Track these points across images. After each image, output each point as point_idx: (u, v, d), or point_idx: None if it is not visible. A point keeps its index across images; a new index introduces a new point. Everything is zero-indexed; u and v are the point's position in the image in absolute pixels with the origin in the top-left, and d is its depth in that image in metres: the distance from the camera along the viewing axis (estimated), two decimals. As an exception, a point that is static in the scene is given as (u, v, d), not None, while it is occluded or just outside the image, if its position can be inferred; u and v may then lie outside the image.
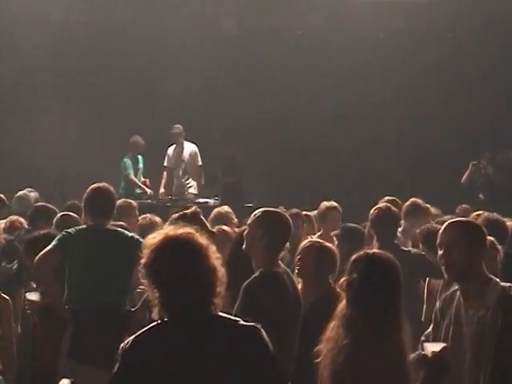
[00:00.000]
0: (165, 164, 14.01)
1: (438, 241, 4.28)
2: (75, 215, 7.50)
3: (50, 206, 8.40)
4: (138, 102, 15.01)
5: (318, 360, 4.08)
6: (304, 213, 8.51)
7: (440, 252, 4.24)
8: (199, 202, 12.74)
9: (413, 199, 8.08)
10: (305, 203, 10.93)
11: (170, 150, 14.01)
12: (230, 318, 3.26)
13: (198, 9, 15.02)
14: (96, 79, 14.99)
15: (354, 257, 4.09)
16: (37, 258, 5.86)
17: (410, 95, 14.93)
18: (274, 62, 14.99)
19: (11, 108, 14.83)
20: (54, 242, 5.93)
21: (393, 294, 3.97)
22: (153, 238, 3.26)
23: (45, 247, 5.91)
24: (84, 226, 6.21)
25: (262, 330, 3.25)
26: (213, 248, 3.27)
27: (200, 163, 13.91)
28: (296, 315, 4.77)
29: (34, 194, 10.02)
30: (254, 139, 15.19)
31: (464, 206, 10.04)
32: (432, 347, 4.02)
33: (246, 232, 4.92)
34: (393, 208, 7.10)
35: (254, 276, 4.71)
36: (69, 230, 6.07)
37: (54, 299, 5.88)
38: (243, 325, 3.24)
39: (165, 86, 14.59)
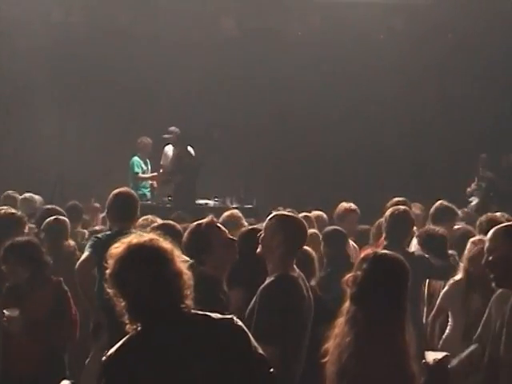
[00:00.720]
0: (162, 163, 13.95)
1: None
2: (64, 218, 7.58)
3: (58, 208, 8.44)
4: (137, 102, 15.00)
5: (325, 357, 4.06)
6: (303, 214, 8.49)
7: (485, 260, 4.32)
8: (199, 204, 12.71)
9: (440, 201, 8.04)
10: (305, 204, 10.94)
11: (167, 150, 13.95)
12: (204, 314, 3.26)
13: (198, 10, 14.99)
14: (96, 80, 14.97)
15: (362, 255, 4.10)
16: (77, 265, 6.02)
17: (409, 96, 14.92)
18: (274, 63, 14.98)
19: (11, 109, 14.81)
20: (88, 249, 6.06)
21: (398, 294, 3.94)
22: (116, 248, 3.27)
23: (28, 254, 5.91)
24: (111, 232, 6.26)
25: (238, 320, 3.27)
26: (177, 252, 3.27)
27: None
28: (309, 319, 4.79)
29: (38, 197, 10.04)
30: (254, 139, 15.18)
31: (466, 210, 10.02)
32: (434, 355, 4.01)
33: (262, 236, 4.87)
34: (411, 212, 7.06)
35: (270, 280, 4.71)
36: (98, 236, 6.21)
37: (92, 306, 6.03)
38: (219, 318, 3.26)
39: (165, 86, 14.58)
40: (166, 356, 3.12)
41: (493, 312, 4.36)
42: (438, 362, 3.95)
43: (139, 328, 3.19)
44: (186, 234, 5.15)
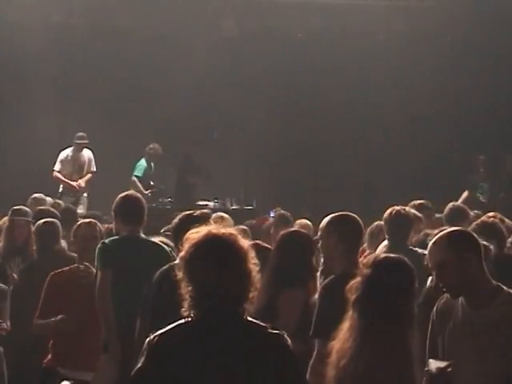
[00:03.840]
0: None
1: (429, 264, 4.12)
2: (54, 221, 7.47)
3: (51, 209, 8.39)
4: (137, 103, 15.00)
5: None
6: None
7: (434, 274, 4.09)
8: (199, 205, 12.74)
9: (453, 203, 8.00)
10: (305, 205, 10.96)
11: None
12: (257, 324, 3.26)
13: (198, 11, 15.00)
14: (96, 81, 14.98)
15: (365, 260, 4.03)
16: (98, 285, 5.95)
17: (409, 97, 14.91)
18: (274, 64, 14.98)
19: (11, 109, 14.80)
20: (101, 259, 6.00)
21: (400, 300, 3.86)
22: (195, 233, 3.27)
23: None
24: (119, 236, 6.22)
25: (288, 338, 3.25)
26: (252, 253, 3.26)
27: (94, 169, 13.57)
28: None
29: (48, 199, 10.02)
30: (254, 140, 15.18)
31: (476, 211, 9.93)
32: (437, 364, 3.95)
33: (320, 244, 5.10)
34: (407, 209, 7.04)
35: (330, 278, 4.86)
36: (105, 241, 6.13)
37: (106, 320, 6.00)
38: (269, 332, 3.24)
39: (165, 87, 14.57)
40: (203, 355, 3.15)
41: (437, 316, 4.17)
42: (441, 371, 3.88)
43: (191, 317, 3.21)
44: None
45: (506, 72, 14.68)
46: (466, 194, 13.84)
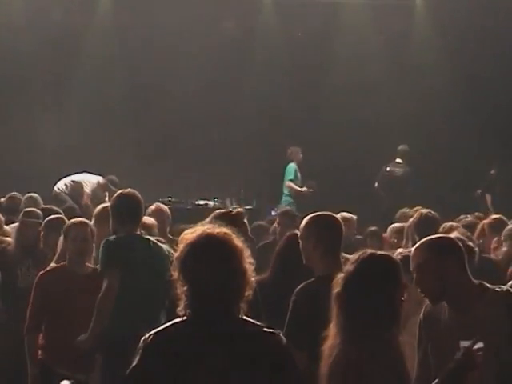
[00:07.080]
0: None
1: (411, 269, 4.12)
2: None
3: (55, 207, 8.39)
4: (137, 103, 15.00)
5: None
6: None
7: (414, 279, 4.08)
8: (199, 204, 12.74)
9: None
10: (304, 206, 10.93)
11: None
12: (252, 323, 3.27)
13: (198, 11, 15.00)
14: (96, 80, 14.98)
15: (353, 255, 3.92)
16: (105, 289, 5.81)
17: (409, 98, 14.91)
18: (274, 64, 14.99)
19: (11, 109, 14.80)
20: (107, 258, 5.86)
21: (386, 296, 3.77)
22: (191, 233, 3.29)
23: None
24: (122, 235, 6.04)
25: (283, 337, 3.27)
26: (247, 252, 3.28)
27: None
28: None
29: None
30: (254, 141, 15.16)
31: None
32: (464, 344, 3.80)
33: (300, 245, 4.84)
34: (432, 213, 6.96)
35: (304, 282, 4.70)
36: (109, 239, 5.98)
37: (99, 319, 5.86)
38: (265, 331, 3.25)
39: (164, 88, 14.58)
40: (197, 354, 3.15)
41: (423, 325, 4.15)
42: (467, 350, 3.73)
43: (186, 316, 3.23)
44: None
45: (506, 71, 14.66)
46: (489, 198, 13.71)
